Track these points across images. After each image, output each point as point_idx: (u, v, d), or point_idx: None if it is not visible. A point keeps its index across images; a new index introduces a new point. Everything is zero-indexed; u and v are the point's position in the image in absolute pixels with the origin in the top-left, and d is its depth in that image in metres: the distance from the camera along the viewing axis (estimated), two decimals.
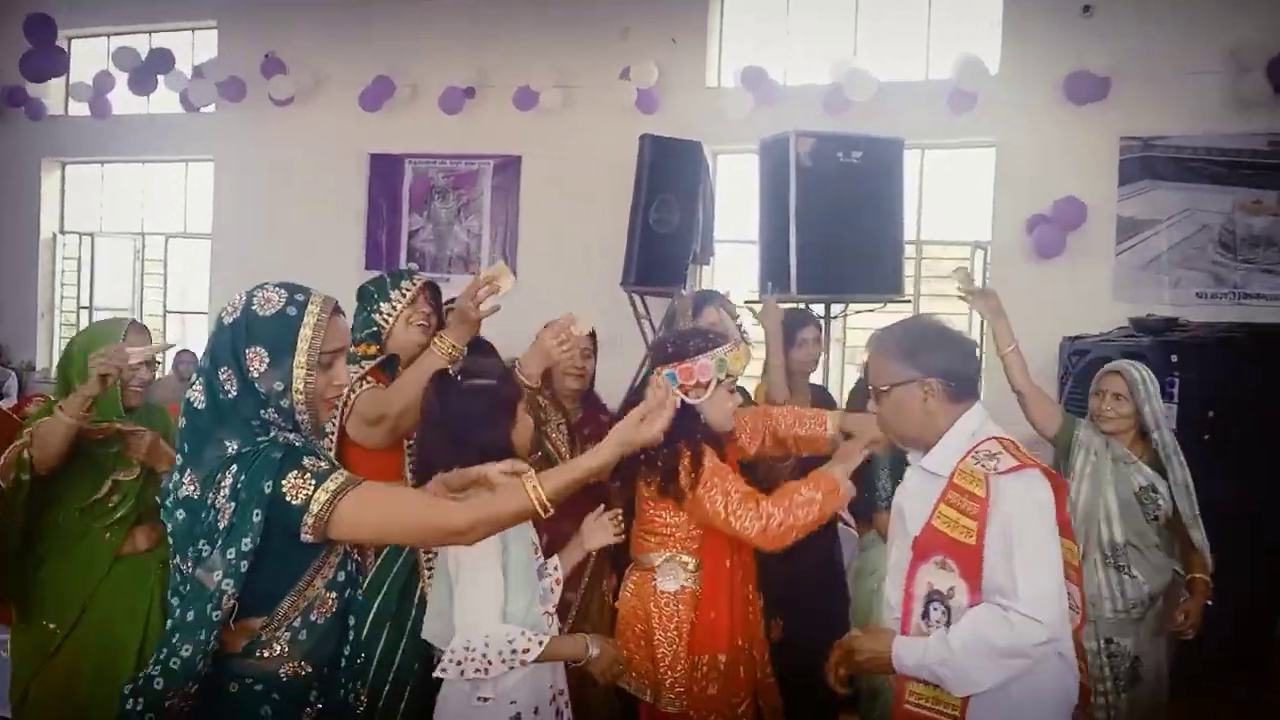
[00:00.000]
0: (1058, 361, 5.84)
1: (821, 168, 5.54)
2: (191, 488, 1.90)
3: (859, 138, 5.78)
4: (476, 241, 8.48)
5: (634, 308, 6.60)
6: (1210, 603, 3.39)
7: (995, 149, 7.17)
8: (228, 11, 9.28)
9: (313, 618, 1.97)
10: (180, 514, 1.91)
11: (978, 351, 2.38)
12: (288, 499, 1.84)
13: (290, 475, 1.86)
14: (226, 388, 1.91)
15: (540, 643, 2.39)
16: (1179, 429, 4.35)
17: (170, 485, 1.94)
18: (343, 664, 2.04)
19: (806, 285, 5.44)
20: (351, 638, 2.07)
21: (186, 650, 1.82)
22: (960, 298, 3.45)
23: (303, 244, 8.71)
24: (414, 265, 8.54)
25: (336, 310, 2.01)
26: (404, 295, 3.12)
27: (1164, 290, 6.61)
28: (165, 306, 10.22)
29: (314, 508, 1.84)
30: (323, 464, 1.91)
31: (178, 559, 1.94)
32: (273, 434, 1.92)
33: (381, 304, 3.13)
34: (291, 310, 1.94)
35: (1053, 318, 6.06)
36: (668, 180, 6.46)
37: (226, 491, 1.85)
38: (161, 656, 1.84)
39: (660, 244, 6.47)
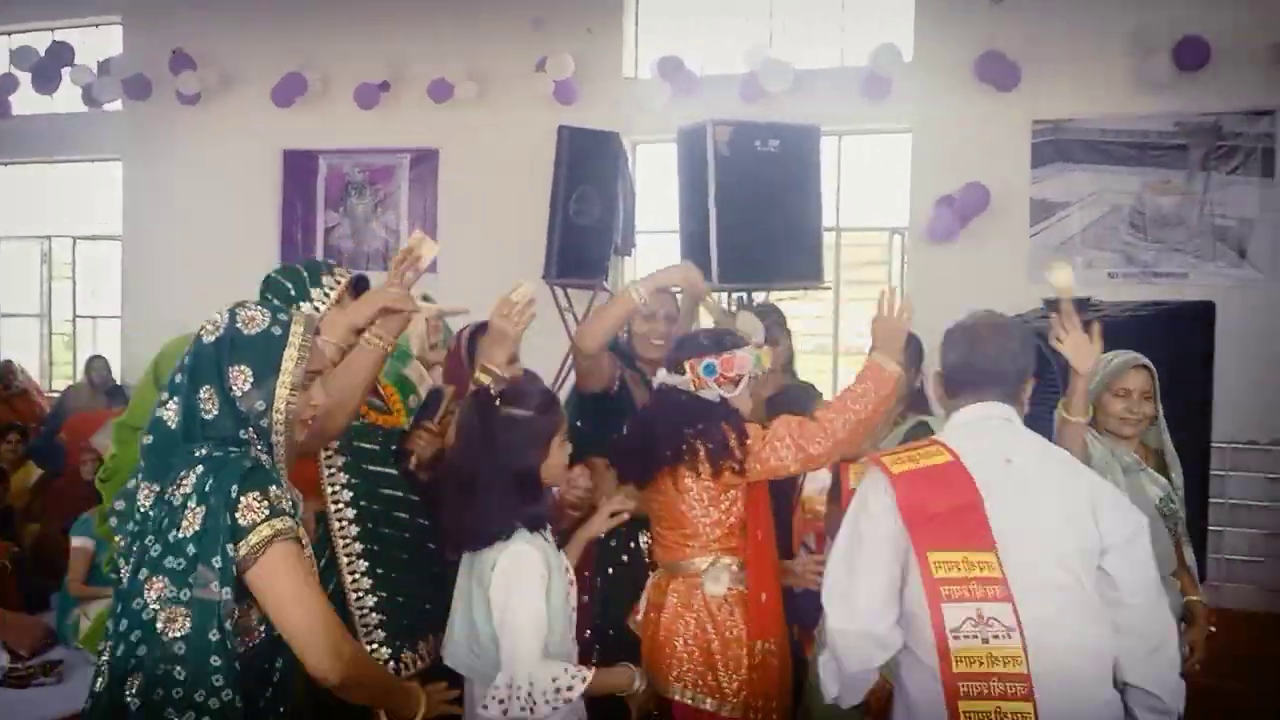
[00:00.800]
0: None
1: (740, 156, 5.55)
2: (147, 500, 1.87)
3: (776, 126, 5.80)
4: (395, 237, 8.37)
5: (556, 301, 6.56)
6: (1213, 629, 3.04)
7: (911, 135, 7.24)
8: (132, 7, 9.05)
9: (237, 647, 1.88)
10: (132, 526, 1.89)
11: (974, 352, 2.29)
12: (238, 513, 1.80)
13: (251, 494, 1.82)
14: (207, 406, 1.88)
15: (584, 679, 2.36)
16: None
17: (122, 505, 1.92)
18: (264, 702, 1.95)
19: (728, 274, 5.44)
20: (277, 678, 1.98)
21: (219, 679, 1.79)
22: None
23: (216, 244, 8.53)
24: (331, 262, 8.41)
25: (316, 331, 2.01)
26: (328, 294, 2.74)
27: (1077, 270, 6.65)
28: (75, 310, 9.95)
29: (252, 538, 1.80)
30: (284, 502, 1.86)
31: (117, 571, 1.91)
32: (244, 449, 1.89)
33: (302, 303, 2.87)
34: (276, 330, 1.93)
35: (970, 299, 6.11)
36: (587, 172, 6.44)
37: (189, 490, 1.80)
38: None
39: (581, 236, 6.44)
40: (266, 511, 1.82)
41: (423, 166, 8.35)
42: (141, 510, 1.87)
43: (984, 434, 2.21)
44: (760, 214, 5.52)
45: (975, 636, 1.97)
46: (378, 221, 8.48)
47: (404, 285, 2.66)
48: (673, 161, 5.94)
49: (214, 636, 1.78)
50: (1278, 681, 4.70)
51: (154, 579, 1.81)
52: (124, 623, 1.83)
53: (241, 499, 1.80)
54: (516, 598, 2.35)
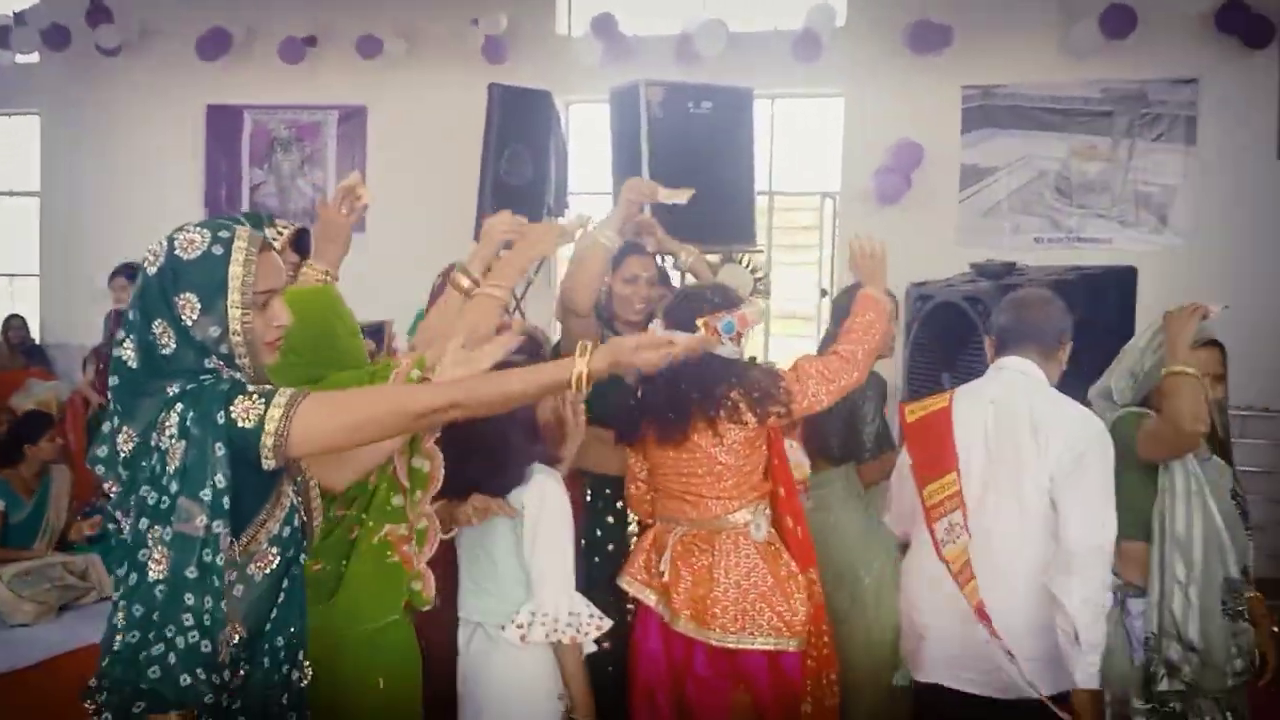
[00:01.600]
0: (905, 308, 5.98)
1: (672, 117, 5.52)
2: (128, 444, 1.80)
3: (709, 88, 5.78)
4: (321, 195, 8.22)
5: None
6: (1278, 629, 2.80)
7: (843, 99, 7.26)
8: None
9: (250, 571, 1.87)
10: (122, 472, 1.82)
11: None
12: (239, 424, 1.75)
13: (237, 401, 1.77)
14: (163, 341, 1.80)
15: (599, 627, 2.60)
16: None
17: (104, 451, 1.84)
18: (268, 628, 1.93)
19: None
20: (283, 600, 1.94)
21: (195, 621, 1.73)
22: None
23: (138, 200, 8.32)
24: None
25: (266, 247, 1.89)
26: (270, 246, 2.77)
27: (1004, 236, 6.83)
28: None
29: (269, 425, 1.75)
30: (269, 388, 1.82)
31: (115, 522, 1.86)
32: (215, 376, 1.83)
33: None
34: (217, 250, 1.82)
35: (900, 264, 6.14)
36: (518, 131, 6.36)
37: (173, 430, 1.75)
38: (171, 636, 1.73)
39: (512, 196, 6.36)
40: (262, 402, 1.77)
41: (350, 124, 8.20)
42: (123, 455, 1.81)
43: (994, 381, 2.80)
44: (693, 175, 5.42)
45: (951, 541, 2.62)
46: (304, 179, 8.33)
47: (345, 217, 2.75)
48: (606, 121, 5.90)
49: (190, 574, 1.72)
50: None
51: (154, 527, 1.76)
52: (133, 576, 1.78)
53: (232, 410, 1.76)
54: (547, 531, 2.55)
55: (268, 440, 1.76)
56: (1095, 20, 6.47)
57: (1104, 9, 6.43)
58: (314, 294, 2.53)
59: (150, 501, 1.76)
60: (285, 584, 1.95)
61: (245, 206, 8.42)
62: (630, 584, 2.91)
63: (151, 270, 1.83)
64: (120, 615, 1.79)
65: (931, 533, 2.66)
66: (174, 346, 1.81)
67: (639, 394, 2.89)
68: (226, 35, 8.12)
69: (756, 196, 6.04)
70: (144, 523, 1.77)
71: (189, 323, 1.80)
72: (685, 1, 7.40)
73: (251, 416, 1.76)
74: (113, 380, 1.86)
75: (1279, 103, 6.44)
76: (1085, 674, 2.48)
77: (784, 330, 7.75)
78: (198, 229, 1.85)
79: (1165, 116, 6.60)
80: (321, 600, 2.29)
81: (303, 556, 2.01)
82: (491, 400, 1.94)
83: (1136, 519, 2.64)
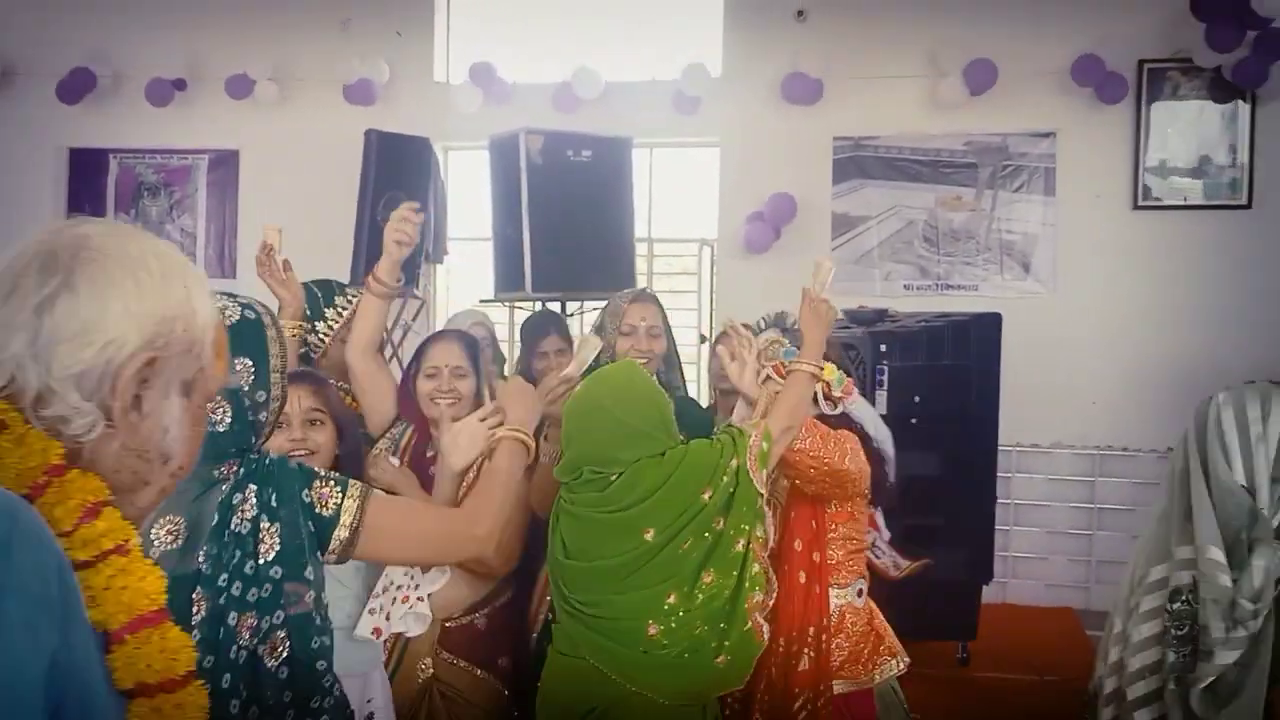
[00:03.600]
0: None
1: (552, 166, 5.55)
2: (171, 539, 1.61)
3: (589, 136, 5.83)
4: (191, 240, 8.01)
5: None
6: None
7: (720, 149, 7.39)
8: None
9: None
10: (174, 569, 1.58)
11: None
12: (317, 509, 1.68)
13: (316, 484, 1.71)
14: (217, 416, 1.66)
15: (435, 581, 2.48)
16: (889, 414, 4.63)
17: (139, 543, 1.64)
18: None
19: (541, 284, 5.45)
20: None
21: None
22: None
23: None
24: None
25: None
26: (341, 314, 3.01)
27: (875, 283, 7.00)
28: None
29: (345, 518, 1.69)
30: (335, 474, 1.78)
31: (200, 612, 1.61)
32: (263, 454, 1.74)
33: (317, 322, 2.98)
34: (250, 314, 1.78)
35: (776, 310, 6.30)
36: (396, 177, 6.29)
37: (255, 512, 1.63)
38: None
39: None
40: (339, 489, 1.72)
41: (222, 168, 8.02)
42: (167, 548, 1.60)
43: None
44: (573, 223, 5.54)
45: None
46: (173, 225, 8.09)
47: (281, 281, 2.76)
48: (485, 168, 5.89)
49: (316, 645, 1.67)
50: (1064, 669, 4.99)
51: (244, 617, 1.63)
52: (226, 678, 1.61)
53: (313, 495, 1.70)
54: None
55: (341, 534, 1.70)
56: (959, 76, 6.72)
57: (967, 65, 6.68)
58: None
59: (234, 593, 1.61)
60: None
61: None
62: None
63: None
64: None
65: None
66: (230, 421, 1.68)
67: None
68: (90, 76, 7.88)
69: (636, 244, 6.10)
70: (233, 616, 1.62)
71: (245, 388, 1.71)
72: (564, 51, 7.45)
73: (330, 504, 1.70)
74: None
75: (1133, 155, 6.76)
76: None
77: None
78: (221, 297, 1.72)
79: (1026, 168, 6.88)
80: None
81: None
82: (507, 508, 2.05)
83: None
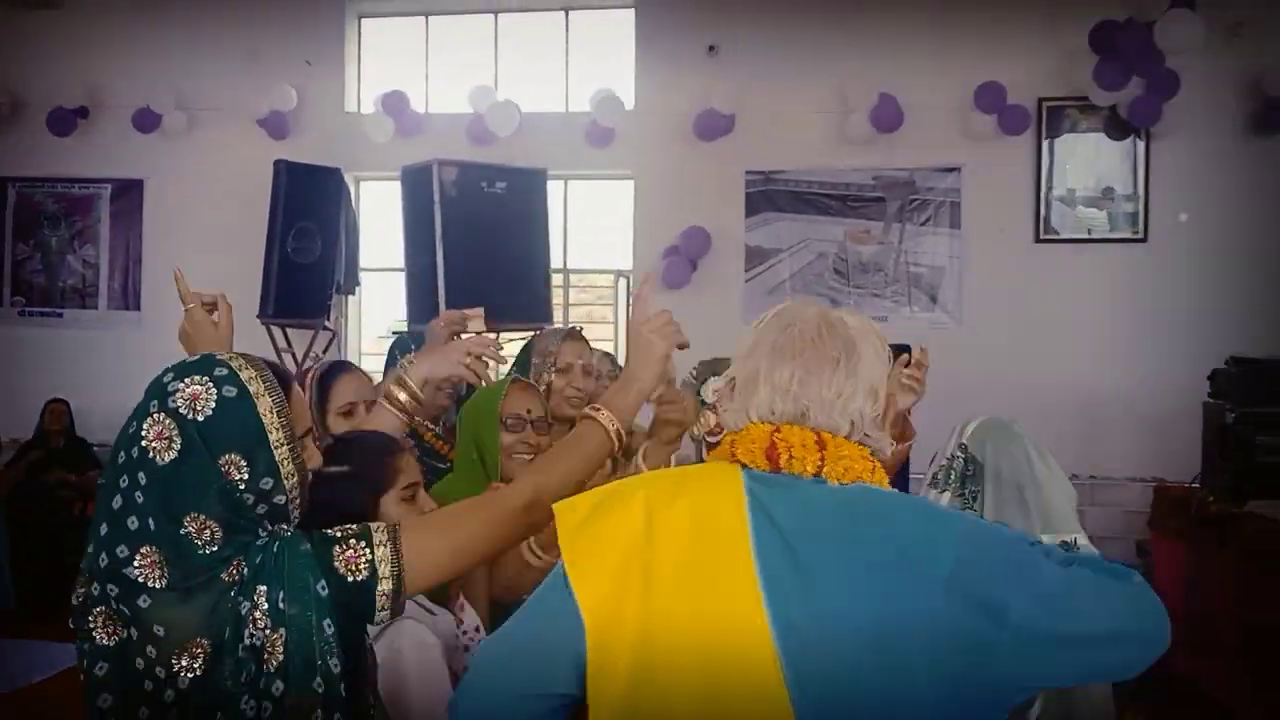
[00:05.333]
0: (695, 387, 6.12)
1: (466, 197, 5.55)
2: (199, 666, 1.43)
3: (502, 168, 5.84)
4: (93, 272, 7.80)
5: (273, 341, 6.30)
6: None
7: (634, 181, 7.43)
8: None
9: None
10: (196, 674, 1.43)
11: None
12: (349, 579, 1.48)
13: (334, 553, 1.49)
14: (204, 537, 1.42)
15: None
16: None
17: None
18: None
19: None
20: None
21: None
22: None
23: None
24: (20, 299, 7.77)
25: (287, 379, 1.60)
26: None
27: None
28: None
29: (383, 569, 1.49)
30: (350, 528, 1.54)
31: None
32: (271, 537, 1.49)
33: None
34: (230, 391, 1.48)
35: (691, 342, 6.33)
36: (306, 208, 6.24)
37: (265, 621, 1.42)
38: None
39: (300, 274, 6.23)
40: (362, 544, 1.50)
41: (125, 198, 7.83)
42: (195, 674, 1.42)
43: None
44: (488, 255, 5.53)
45: None
46: (74, 256, 7.88)
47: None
48: (398, 198, 5.85)
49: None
50: None
51: None
52: None
53: (337, 567, 1.48)
54: None
55: (385, 586, 1.50)
56: (866, 113, 6.85)
57: (874, 101, 6.82)
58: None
59: (251, 712, 1.43)
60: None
61: (8, 284, 7.90)
62: None
63: (166, 458, 1.43)
64: None
65: None
66: (221, 532, 1.44)
67: None
68: None
69: (552, 274, 6.10)
70: None
71: (241, 486, 1.46)
72: (477, 81, 7.43)
73: (360, 566, 1.49)
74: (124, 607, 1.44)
75: (1035, 190, 6.96)
76: None
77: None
78: (189, 380, 1.48)
79: (932, 202, 7.04)
80: None
81: None
82: (567, 476, 1.79)
83: None
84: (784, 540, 1.34)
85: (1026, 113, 6.83)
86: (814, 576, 1.31)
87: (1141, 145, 6.82)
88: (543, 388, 2.93)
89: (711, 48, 7.21)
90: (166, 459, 1.42)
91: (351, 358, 7.69)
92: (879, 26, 6.99)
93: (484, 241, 5.54)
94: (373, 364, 7.96)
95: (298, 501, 1.53)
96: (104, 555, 1.43)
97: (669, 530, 1.38)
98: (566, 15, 7.71)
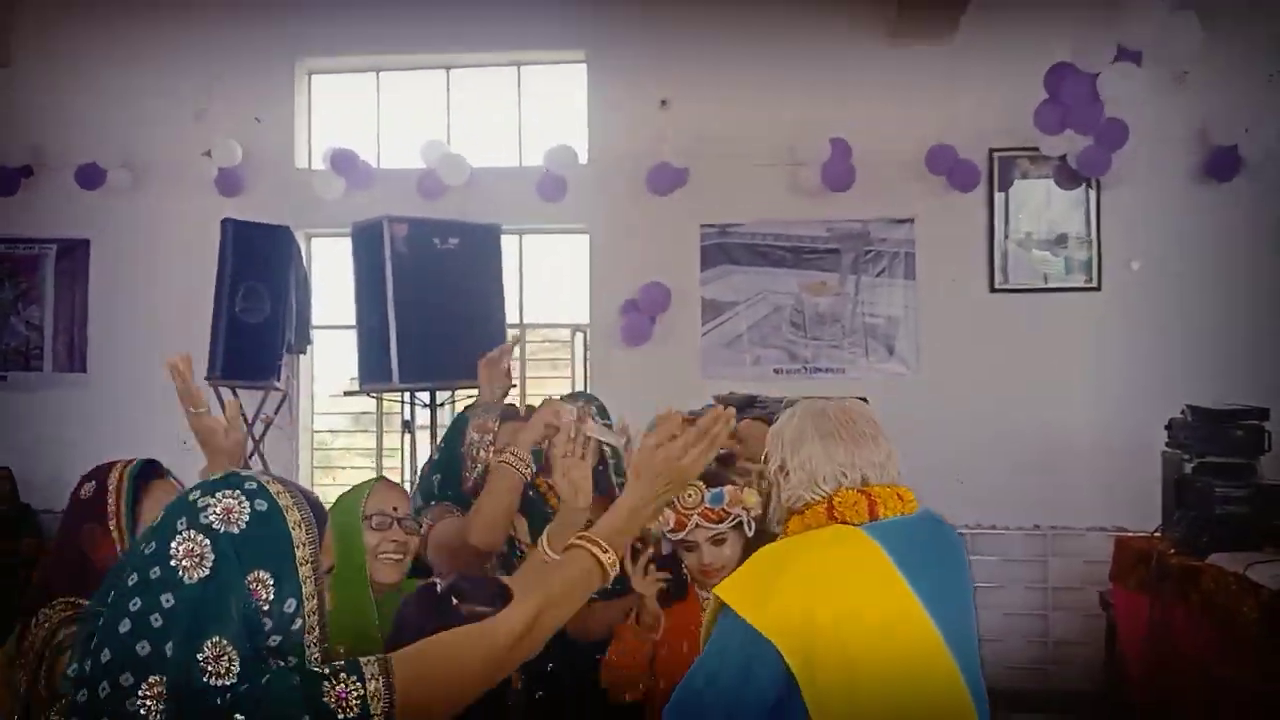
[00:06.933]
0: None
1: (419, 254, 5.46)
2: None
3: (455, 224, 5.76)
4: (38, 333, 7.62)
5: (222, 403, 6.15)
6: None
7: (589, 235, 7.39)
8: None
9: None
10: None
11: None
12: (338, 716, 1.40)
13: (324, 690, 1.41)
14: (221, 667, 1.35)
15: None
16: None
17: None
18: None
19: (408, 373, 5.31)
20: None
21: None
22: None
23: None
24: None
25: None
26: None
27: (745, 367, 7.05)
28: None
29: (375, 705, 1.42)
30: (336, 663, 1.46)
31: None
32: (265, 677, 1.41)
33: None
34: (261, 505, 1.46)
35: (649, 396, 6.25)
36: (255, 266, 6.13)
37: None
38: None
39: (249, 333, 6.10)
40: (353, 678, 1.43)
41: (71, 257, 7.67)
42: None
43: None
44: (441, 312, 5.44)
45: None
46: (18, 317, 7.69)
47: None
48: (349, 254, 5.77)
49: None
50: None
51: None
52: None
53: (328, 704, 1.40)
54: None
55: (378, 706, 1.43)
56: (816, 166, 6.87)
57: (827, 153, 6.84)
58: None
59: None
60: None
61: None
62: None
63: (197, 575, 1.38)
64: None
65: None
66: (237, 664, 1.36)
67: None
68: None
69: (508, 330, 6.01)
70: None
71: (265, 608, 1.41)
72: (429, 136, 7.38)
73: (351, 702, 1.42)
74: None
75: (988, 239, 6.99)
76: None
77: None
78: (223, 494, 1.46)
79: (886, 253, 7.05)
80: None
81: None
82: (568, 600, 1.75)
83: None
84: (913, 566, 1.90)
85: (976, 169, 6.87)
86: (940, 587, 1.92)
87: (1093, 194, 6.89)
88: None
89: (664, 101, 7.21)
90: (195, 577, 1.38)
91: (303, 418, 7.56)
92: (831, 78, 7.03)
93: (437, 298, 5.45)
94: (324, 424, 7.84)
95: (315, 635, 1.48)
96: (104, 684, 1.35)
97: (836, 580, 1.88)
98: (518, 70, 7.70)
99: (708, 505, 2.59)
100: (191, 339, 6.15)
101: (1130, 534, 5.55)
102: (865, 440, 2.03)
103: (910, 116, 6.90)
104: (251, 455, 6.09)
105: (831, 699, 1.78)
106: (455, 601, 2.09)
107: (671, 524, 2.58)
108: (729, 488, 2.64)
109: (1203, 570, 4.37)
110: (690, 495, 2.57)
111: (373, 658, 1.49)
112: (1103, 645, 5.80)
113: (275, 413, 6.34)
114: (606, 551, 1.80)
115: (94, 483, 2.18)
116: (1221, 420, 4.79)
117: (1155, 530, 5.01)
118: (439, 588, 2.14)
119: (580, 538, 1.81)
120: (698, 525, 2.58)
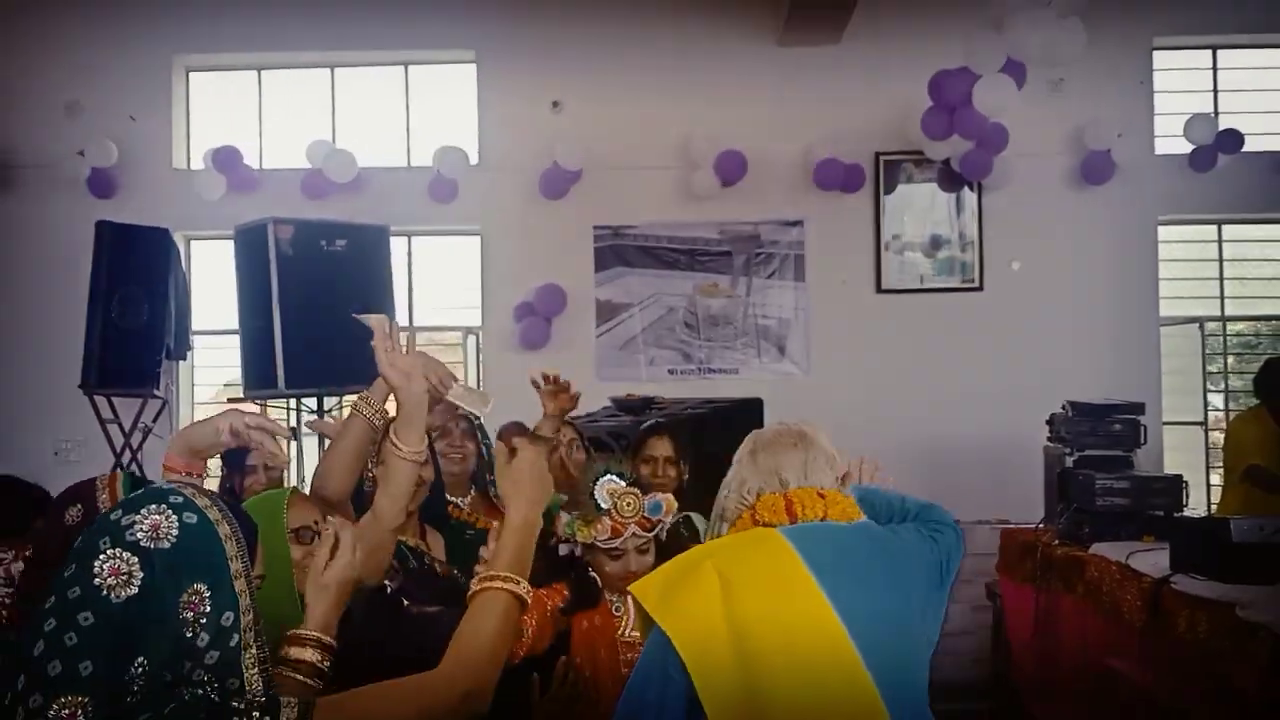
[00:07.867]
0: None
1: (304, 256, 5.33)
2: None
3: (342, 225, 5.64)
4: None
5: (97, 412, 5.91)
6: None
7: (480, 237, 7.31)
8: None
9: None
10: None
11: None
12: None
13: None
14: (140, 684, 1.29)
15: None
16: None
17: None
18: None
19: (295, 379, 5.18)
20: None
21: None
22: None
23: None
24: None
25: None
26: None
27: (641, 369, 7.05)
28: None
29: None
30: (260, 700, 1.36)
31: None
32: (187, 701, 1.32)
33: None
34: (190, 518, 1.40)
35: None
36: (131, 271, 5.89)
37: None
38: None
39: (126, 340, 5.86)
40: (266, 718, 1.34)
41: None
42: None
43: None
44: (329, 315, 5.29)
45: None
46: None
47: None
48: (231, 258, 5.60)
49: None
50: None
51: None
52: None
53: None
54: None
55: None
56: (710, 168, 6.91)
57: (718, 156, 6.88)
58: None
59: None
60: None
61: None
62: None
63: (125, 593, 1.32)
64: None
65: None
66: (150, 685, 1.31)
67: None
68: None
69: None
70: None
71: (196, 622, 1.35)
72: (314, 136, 7.20)
73: None
74: None
75: (875, 242, 7.11)
76: None
77: None
78: (147, 510, 1.39)
79: (777, 255, 7.13)
80: None
81: None
82: (495, 654, 1.73)
83: None
84: (829, 567, 1.92)
85: (862, 171, 6.99)
86: (859, 590, 1.94)
87: (974, 197, 7.06)
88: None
89: (555, 103, 7.17)
90: (122, 595, 1.31)
91: (182, 427, 7.30)
92: (721, 80, 7.08)
93: (324, 301, 5.31)
94: None
95: (254, 653, 1.40)
96: (20, 710, 1.28)
97: (741, 580, 1.90)
98: (406, 69, 7.57)
99: (646, 514, 2.58)
100: (65, 347, 5.93)
101: (1015, 526, 5.68)
102: (786, 448, 2.14)
103: (799, 118, 7.00)
104: (129, 466, 5.86)
105: (726, 696, 1.81)
106: (405, 604, 2.12)
107: (608, 532, 2.56)
108: (664, 496, 2.66)
109: (1086, 560, 4.49)
110: (629, 504, 2.56)
111: (293, 700, 1.41)
112: (990, 635, 5.93)
113: (154, 421, 6.11)
114: (519, 582, 1.79)
115: (79, 506, 2.05)
116: (1100, 415, 4.95)
117: (1039, 523, 5.14)
118: (389, 589, 2.13)
119: (487, 579, 1.78)
120: (633, 534, 2.57)
